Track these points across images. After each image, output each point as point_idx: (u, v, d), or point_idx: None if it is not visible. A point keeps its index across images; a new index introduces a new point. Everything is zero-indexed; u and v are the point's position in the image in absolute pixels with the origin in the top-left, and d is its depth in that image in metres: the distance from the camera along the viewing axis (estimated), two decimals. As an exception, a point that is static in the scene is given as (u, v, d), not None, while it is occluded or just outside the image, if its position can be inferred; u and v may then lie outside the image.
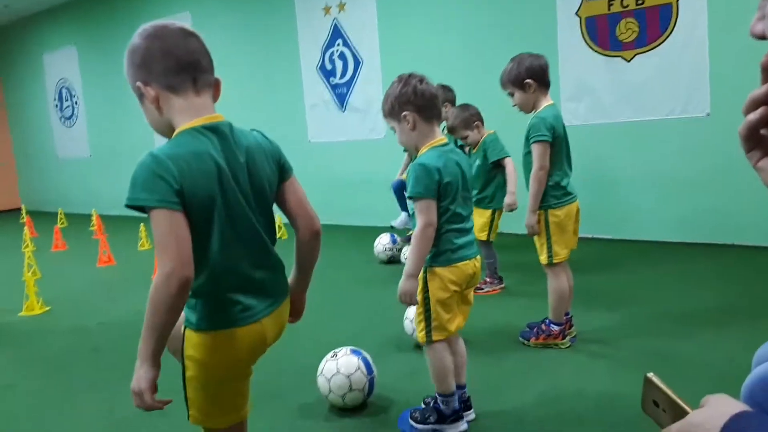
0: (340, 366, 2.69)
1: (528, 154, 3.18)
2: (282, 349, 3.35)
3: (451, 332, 2.44)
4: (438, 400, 2.49)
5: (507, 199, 4.14)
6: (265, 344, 1.65)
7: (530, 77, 3.14)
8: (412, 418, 2.55)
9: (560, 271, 3.26)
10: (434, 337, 2.40)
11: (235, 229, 1.54)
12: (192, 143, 1.50)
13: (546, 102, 3.19)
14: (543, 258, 3.24)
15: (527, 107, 3.22)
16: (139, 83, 1.54)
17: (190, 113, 1.54)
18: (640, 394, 0.95)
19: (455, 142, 4.46)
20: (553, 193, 3.18)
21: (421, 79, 2.37)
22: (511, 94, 3.24)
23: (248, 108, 7.96)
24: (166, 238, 1.41)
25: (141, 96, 1.57)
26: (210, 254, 1.51)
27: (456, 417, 2.50)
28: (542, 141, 3.09)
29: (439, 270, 2.37)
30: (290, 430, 2.61)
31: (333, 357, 2.74)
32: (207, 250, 1.51)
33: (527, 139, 3.16)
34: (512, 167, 4.18)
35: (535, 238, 3.26)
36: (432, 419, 2.49)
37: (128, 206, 1.45)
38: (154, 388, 1.48)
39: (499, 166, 4.25)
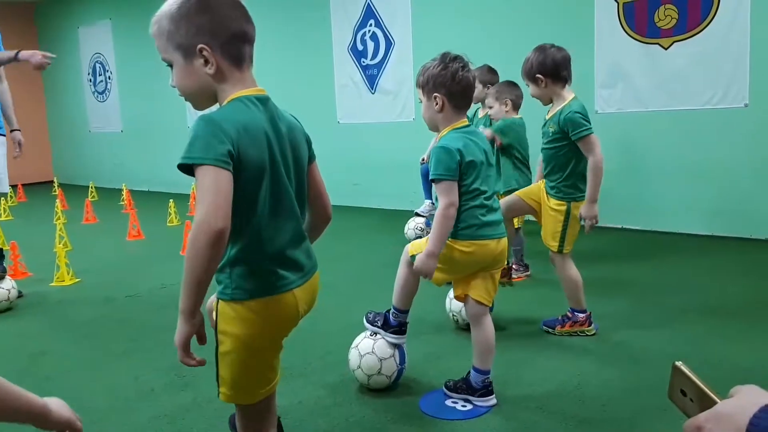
0: (376, 348, 2.67)
1: (551, 148, 3.19)
2: (310, 329, 3.38)
3: (435, 282, 2.56)
4: (391, 312, 2.69)
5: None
6: (298, 315, 1.66)
7: (540, 72, 3.15)
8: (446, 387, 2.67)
9: (568, 259, 3.27)
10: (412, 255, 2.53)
11: (278, 200, 1.57)
12: (245, 111, 1.54)
13: (569, 95, 3.18)
14: (554, 246, 3.23)
15: (544, 99, 3.26)
16: (202, 46, 1.52)
17: (241, 86, 1.58)
18: (664, 383, 0.94)
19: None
20: (580, 185, 3.19)
21: (464, 65, 2.42)
22: (528, 85, 3.29)
23: (278, 87, 7.95)
24: (207, 190, 1.40)
25: (191, 57, 1.55)
26: (252, 222, 1.53)
27: (486, 391, 2.56)
28: (589, 134, 3.07)
29: (456, 243, 2.42)
30: (316, 409, 2.63)
31: (372, 336, 2.72)
32: (250, 218, 1.53)
33: (558, 134, 3.14)
34: None
35: (549, 225, 3.24)
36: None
37: (180, 166, 1.43)
38: (187, 344, 1.48)
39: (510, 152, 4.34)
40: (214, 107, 1.60)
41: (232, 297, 1.56)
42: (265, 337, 1.60)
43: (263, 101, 1.59)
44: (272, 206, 1.56)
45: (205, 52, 1.53)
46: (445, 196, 2.36)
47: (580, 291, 3.27)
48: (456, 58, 2.42)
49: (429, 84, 2.42)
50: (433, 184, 2.45)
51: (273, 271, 1.58)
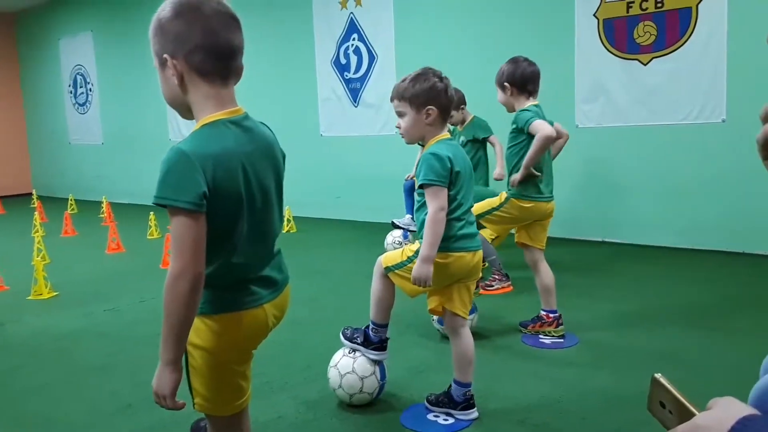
0: (356, 366, 2.64)
1: (510, 147, 3.43)
2: (291, 343, 3.38)
3: (409, 294, 2.57)
4: (370, 328, 2.68)
5: (497, 172, 4.83)
6: (267, 329, 1.66)
7: (507, 81, 3.37)
8: (428, 401, 2.66)
9: (542, 259, 3.43)
10: (391, 273, 2.55)
11: (252, 226, 1.56)
12: (219, 139, 1.49)
13: (530, 103, 3.37)
14: (477, 209, 3.37)
15: (508, 107, 3.47)
16: (167, 56, 1.49)
17: (214, 103, 1.52)
18: (644, 396, 0.94)
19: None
20: (529, 188, 3.37)
21: (449, 83, 2.49)
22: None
23: (261, 99, 7.97)
24: (183, 240, 1.41)
25: (164, 66, 1.52)
26: (228, 247, 1.53)
27: (467, 404, 2.56)
28: (534, 120, 3.25)
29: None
30: (296, 423, 2.61)
31: (351, 354, 2.68)
32: (225, 244, 1.52)
33: (515, 131, 3.37)
34: (500, 144, 4.71)
35: (486, 202, 3.52)
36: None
37: (156, 204, 1.43)
38: (176, 392, 1.50)
39: (482, 145, 4.89)
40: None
41: (202, 311, 1.55)
42: (235, 350, 1.60)
43: (239, 122, 1.54)
44: (247, 233, 1.54)
45: (168, 62, 1.49)
46: (436, 200, 2.37)
47: (548, 293, 3.42)
48: (441, 74, 2.46)
49: (421, 97, 2.41)
50: (421, 189, 2.43)
51: (244, 288, 1.58)
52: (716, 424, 0.79)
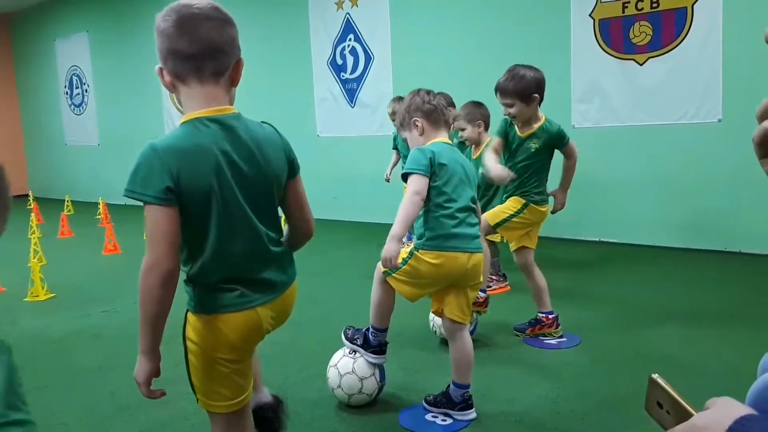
0: (356, 367, 2.65)
1: (532, 162, 3.34)
2: (289, 343, 3.37)
3: (408, 298, 2.55)
4: (370, 331, 2.68)
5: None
6: (262, 331, 1.66)
7: (537, 92, 3.21)
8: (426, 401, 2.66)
9: (534, 264, 3.44)
10: (389, 278, 2.54)
11: (232, 222, 1.56)
12: (194, 135, 1.52)
13: (542, 115, 3.32)
14: (492, 217, 3.39)
15: (524, 117, 3.28)
16: (156, 68, 1.59)
17: (196, 102, 1.56)
18: (641, 396, 0.94)
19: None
20: (542, 192, 3.41)
21: (428, 91, 2.59)
22: (511, 105, 3.23)
23: (257, 100, 7.96)
24: (154, 233, 1.47)
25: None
26: (205, 245, 1.54)
27: (465, 405, 2.56)
28: (570, 140, 3.36)
29: (425, 255, 2.43)
30: (295, 425, 2.60)
31: (351, 354, 2.69)
32: (203, 241, 1.54)
33: (540, 148, 3.30)
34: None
35: (497, 209, 3.45)
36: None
37: (125, 196, 1.50)
38: (150, 381, 1.56)
39: None
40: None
41: (196, 309, 1.59)
42: (226, 348, 1.60)
43: (221, 120, 1.55)
44: (226, 229, 1.55)
45: (159, 74, 1.59)
46: (412, 185, 2.41)
47: (545, 293, 3.42)
48: (420, 89, 2.60)
49: (406, 116, 2.57)
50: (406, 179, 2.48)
51: (233, 289, 1.58)
52: (714, 424, 0.80)
